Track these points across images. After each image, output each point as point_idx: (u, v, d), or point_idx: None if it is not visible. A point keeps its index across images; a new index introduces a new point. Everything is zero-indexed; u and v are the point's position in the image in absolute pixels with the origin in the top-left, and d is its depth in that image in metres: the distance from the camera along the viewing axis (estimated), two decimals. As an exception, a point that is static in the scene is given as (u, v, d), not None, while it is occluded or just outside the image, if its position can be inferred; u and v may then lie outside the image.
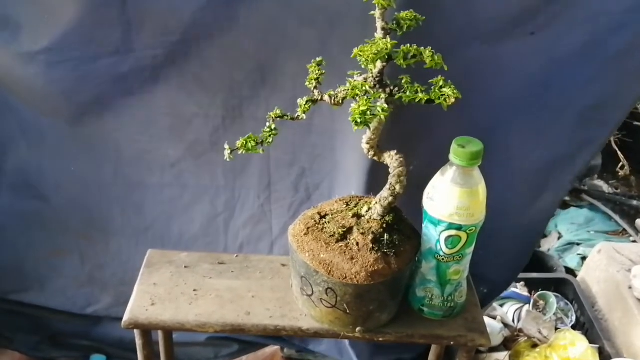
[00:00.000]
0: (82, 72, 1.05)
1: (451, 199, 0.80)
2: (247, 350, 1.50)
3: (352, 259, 0.81)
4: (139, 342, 0.92)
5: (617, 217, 2.15)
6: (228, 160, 0.80)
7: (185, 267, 0.99)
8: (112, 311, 1.38)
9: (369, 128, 0.82)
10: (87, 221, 1.25)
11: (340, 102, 0.81)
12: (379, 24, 0.79)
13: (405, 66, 0.77)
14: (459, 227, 0.81)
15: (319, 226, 0.86)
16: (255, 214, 1.22)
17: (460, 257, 0.85)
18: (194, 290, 0.94)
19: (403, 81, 0.79)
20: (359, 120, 0.75)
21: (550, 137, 1.09)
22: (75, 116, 1.12)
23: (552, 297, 1.65)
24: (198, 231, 1.26)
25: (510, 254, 1.28)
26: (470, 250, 0.86)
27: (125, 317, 0.88)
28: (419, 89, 0.77)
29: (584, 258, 1.90)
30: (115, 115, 1.10)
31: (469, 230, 0.82)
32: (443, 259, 0.85)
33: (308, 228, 0.86)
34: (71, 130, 1.13)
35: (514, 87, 1.04)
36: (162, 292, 0.93)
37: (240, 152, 0.81)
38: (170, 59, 1.03)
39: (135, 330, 0.91)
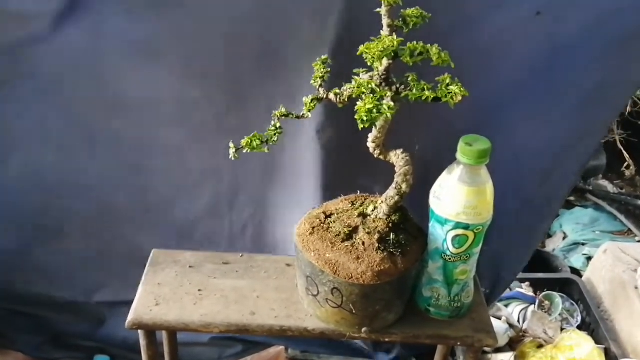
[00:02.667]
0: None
1: (458, 198, 0.79)
2: (251, 350, 1.49)
3: (358, 258, 0.80)
4: (143, 342, 0.92)
5: (622, 217, 2.14)
6: (233, 159, 0.79)
7: (189, 267, 0.98)
8: (121, 295, 1.35)
9: (375, 126, 0.81)
10: (91, 205, 1.25)
11: (346, 100, 0.81)
12: (385, 21, 0.78)
13: (411, 64, 0.76)
14: (466, 227, 0.80)
15: (325, 226, 0.85)
16: (257, 195, 1.23)
17: (467, 257, 0.84)
18: (199, 290, 0.93)
19: (409, 79, 0.78)
20: (364, 119, 0.74)
21: (554, 121, 1.08)
22: (77, 101, 1.11)
23: (557, 298, 1.65)
24: (202, 212, 1.25)
25: (512, 250, 1.27)
26: (477, 249, 0.85)
27: (129, 318, 0.88)
28: (425, 87, 0.76)
29: (589, 258, 1.90)
30: (117, 100, 1.10)
31: (476, 230, 0.81)
32: (450, 259, 0.84)
33: (313, 227, 0.85)
34: (72, 116, 1.12)
35: (518, 69, 1.04)
36: (167, 292, 0.92)
37: (245, 150, 0.80)
38: (173, 46, 1.03)
39: (139, 331, 0.90)
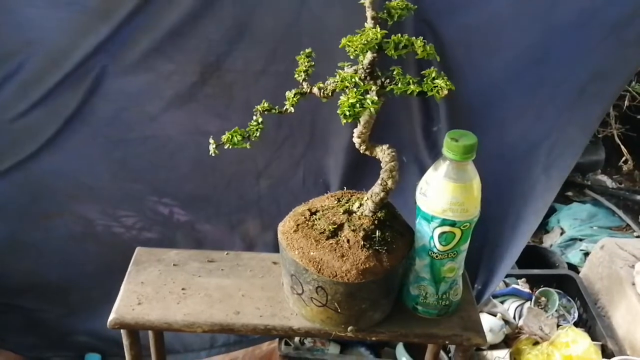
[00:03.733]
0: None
1: (444, 195, 0.77)
2: (243, 340, 1.48)
3: (342, 256, 0.79)
4: (126, 342, 0.90)
5: (620, 212, 2.12)
6: (213, 155, 0.78)
7: (174, 265, 0.96)
8: (111, 265, 1.32)
9: (359, 121, 0.79)
10: (74, 183, 1.24)
11: (330, 94, 0.79)
12: (369, 13, 0.76)
13: (396, 57, 0.74)
14: (453, 223, 0.78)
15: (309, 223, 0.84)
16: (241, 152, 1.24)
17: (454, 254, 0.82)
18: (183, 289, 0.92)
19: (395, 72, 0.76)
20: (347, 113, 0.72)
21: (548, 113, 1.06)
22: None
23: (554, 294, 1.63)
24: (187, 174, 1.25)
25: (504, 244, 1.25)
26: (465, 247, 0.83)
27: (111, 317, 0.86)
28: (411, 81, 0.74)
29: (586, 254, 1.88)
30: (91, 80, 1.10)
31: (463, 227, 0.79)
32: (437, 256, 0.82)
33: (298, 225, 0.83)
34: (45, 97, 1.11)
35: (511, 60, 1.02)
36: (150, 291, 0.91)
37: (226, 146, 0.79)
38: (147, 21, 1.03)
39: (122, 330, 0.89)
